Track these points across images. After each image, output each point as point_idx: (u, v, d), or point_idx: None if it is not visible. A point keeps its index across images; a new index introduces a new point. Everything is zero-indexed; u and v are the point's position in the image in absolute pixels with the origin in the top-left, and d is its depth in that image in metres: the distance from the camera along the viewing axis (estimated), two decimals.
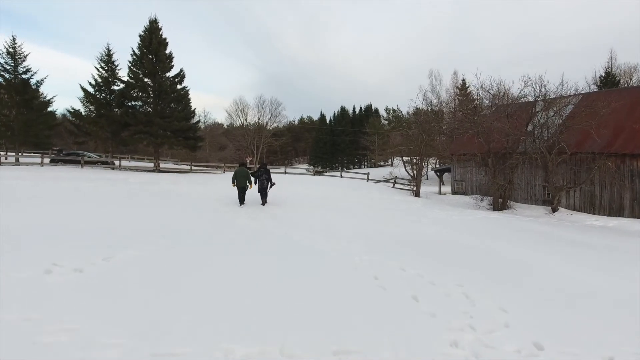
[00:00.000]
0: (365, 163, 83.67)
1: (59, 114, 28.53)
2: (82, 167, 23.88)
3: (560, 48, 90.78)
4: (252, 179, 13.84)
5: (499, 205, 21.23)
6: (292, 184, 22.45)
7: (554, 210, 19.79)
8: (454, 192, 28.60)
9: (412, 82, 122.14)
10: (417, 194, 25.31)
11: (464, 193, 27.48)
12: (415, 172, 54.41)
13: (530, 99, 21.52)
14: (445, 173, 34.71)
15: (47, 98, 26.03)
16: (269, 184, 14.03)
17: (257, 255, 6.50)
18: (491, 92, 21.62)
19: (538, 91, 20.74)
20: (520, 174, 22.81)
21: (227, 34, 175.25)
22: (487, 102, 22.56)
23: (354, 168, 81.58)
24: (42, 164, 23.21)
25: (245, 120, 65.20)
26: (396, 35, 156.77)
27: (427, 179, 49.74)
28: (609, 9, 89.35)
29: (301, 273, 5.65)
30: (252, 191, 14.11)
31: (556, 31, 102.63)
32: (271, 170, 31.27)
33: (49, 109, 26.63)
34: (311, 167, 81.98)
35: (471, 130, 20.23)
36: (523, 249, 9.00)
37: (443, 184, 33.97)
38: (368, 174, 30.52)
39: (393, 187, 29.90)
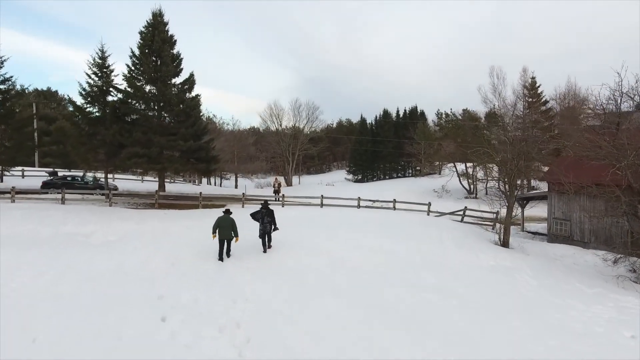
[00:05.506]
0: (410, 171, 75.57)
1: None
2: (62, 202, 18.69)
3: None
4: (237, 230, 11.60)
5: None
6: (330, 234, 15.61)
7: None
8: (551, 235, 20.65)
9: (458, 83, 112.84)
10: (505, 242, 17.92)
11: (569, 238, 19.64)
12: (473, 185, 45.94)
13: None
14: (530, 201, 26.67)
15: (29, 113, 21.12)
16: (272, 228, 12.40)
17: None
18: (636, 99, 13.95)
19: None
20: None
21: (262, 35, 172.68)
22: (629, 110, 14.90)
23: (397, 177, 73.92)
24: (12, 198, 18.20)
25: (280, 125, 60.12)
26: (437, 35, 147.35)
27: (486, 193, 41.27)
28: None
29: None
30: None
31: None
32: (304, 201, 25.38)
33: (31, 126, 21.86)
34: (350, 174, 75.03)
35: (616, 161, 12.69)
36: None
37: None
38: (429, 204, 23.41)
39: (462, 221, 22.73)
